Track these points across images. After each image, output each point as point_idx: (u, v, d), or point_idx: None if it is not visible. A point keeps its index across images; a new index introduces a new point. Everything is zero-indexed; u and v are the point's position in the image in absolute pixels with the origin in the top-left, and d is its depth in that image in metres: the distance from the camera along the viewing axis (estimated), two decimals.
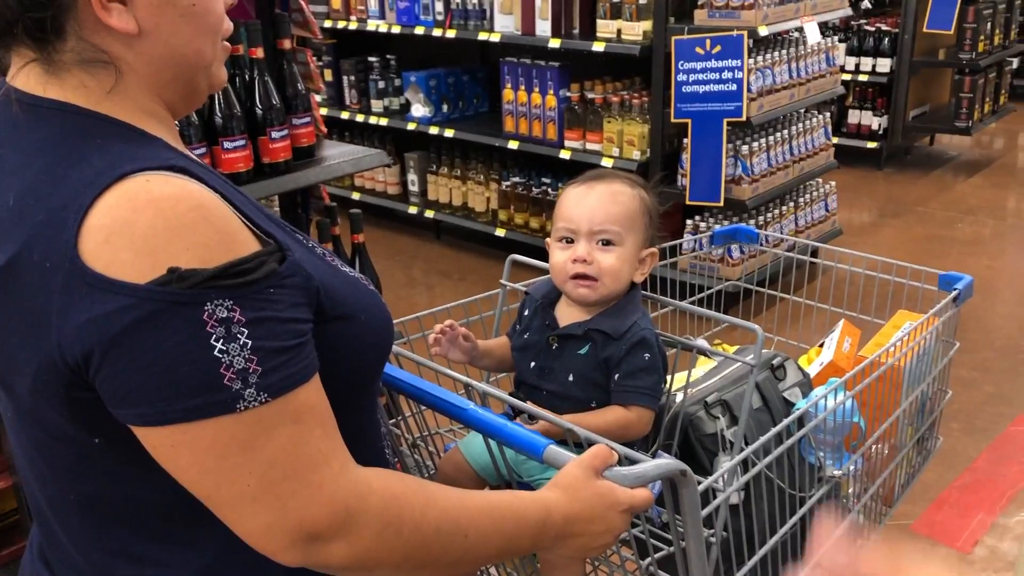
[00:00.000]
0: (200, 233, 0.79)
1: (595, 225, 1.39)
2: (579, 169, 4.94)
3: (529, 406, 1.21)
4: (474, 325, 1.77)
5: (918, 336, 1.67)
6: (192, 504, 0.84)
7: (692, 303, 2.05)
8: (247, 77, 2.09)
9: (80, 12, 0.84)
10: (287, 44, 2.21)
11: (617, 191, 1.41)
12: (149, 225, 0.77)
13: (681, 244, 2.23)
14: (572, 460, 0.99)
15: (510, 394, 1.38)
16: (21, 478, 0.99)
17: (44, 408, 0.84)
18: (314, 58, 2.52)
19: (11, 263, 0.81)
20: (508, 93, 4.63)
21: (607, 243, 1.39)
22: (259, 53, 2.09)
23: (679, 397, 1.51)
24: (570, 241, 1.42)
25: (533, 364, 1.45)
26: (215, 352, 0.77)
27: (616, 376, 1.38)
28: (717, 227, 4.09)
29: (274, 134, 2.13)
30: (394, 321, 1.52)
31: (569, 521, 0.97)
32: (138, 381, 0.77)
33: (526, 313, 1.52)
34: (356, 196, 5.54)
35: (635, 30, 4.03)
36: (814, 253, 3.38)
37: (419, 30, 4.84)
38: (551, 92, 4.46)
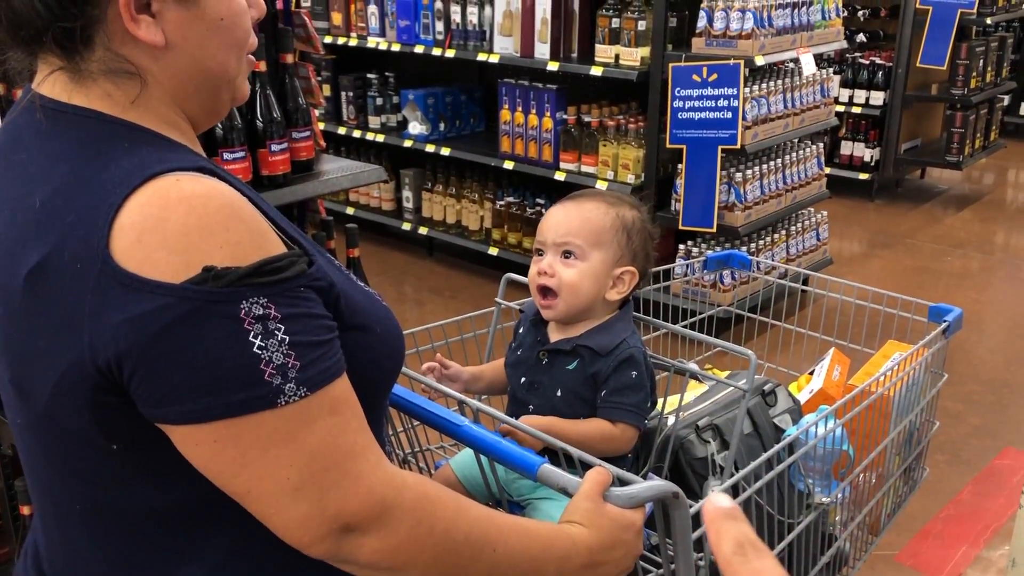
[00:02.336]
0: (233, 231, 0.80)
1: (559, 237, 1.42)
2: (573, 190, 4.96)
3: (520, 423, 1.22)
4: (468, 343, 1.78)
5: (907, 367, 1.69)
6: (196, 514, 0.84)
7: (685, 327, 2.07)
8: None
9: (109, 24, 0.85)
10: (289, 58, 2.22)
11: (589, 207, 1.44)
12: (182, 223, 0.78)
13: (673, 268, 2.25)
14: (577, 493, 0.99)
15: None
16: (28, 486, 0.98)
17: (64, 412, 0.83)
18: (315, 73, 2.54)
19: (40, 265, 0.81)
20: (505, 114, 4.66)
21: (568, 254, 1.42)
22: (261, 67, 2.10)
23: (671, 420, 1.52)
24: (541, 254, 1.45)
25: (523, 379, 1.46)
26: (254, 348, 0.78)
27: (603, 392, 1.40)
28: (710, 253, 4.12)
29: (274, 147, 2.14)
30: None
31: (592, 551, 0.97)
32: (179, 379, 0.77)
33: (520, 331, 1.53)
34: (351, 211, 5.55)
35: (633, 56, 4.07)
36: (805, 281, 3.41)
37: (419, 49, 4.87)
38: (548, 114, 4.49)
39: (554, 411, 1.40)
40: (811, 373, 2.02)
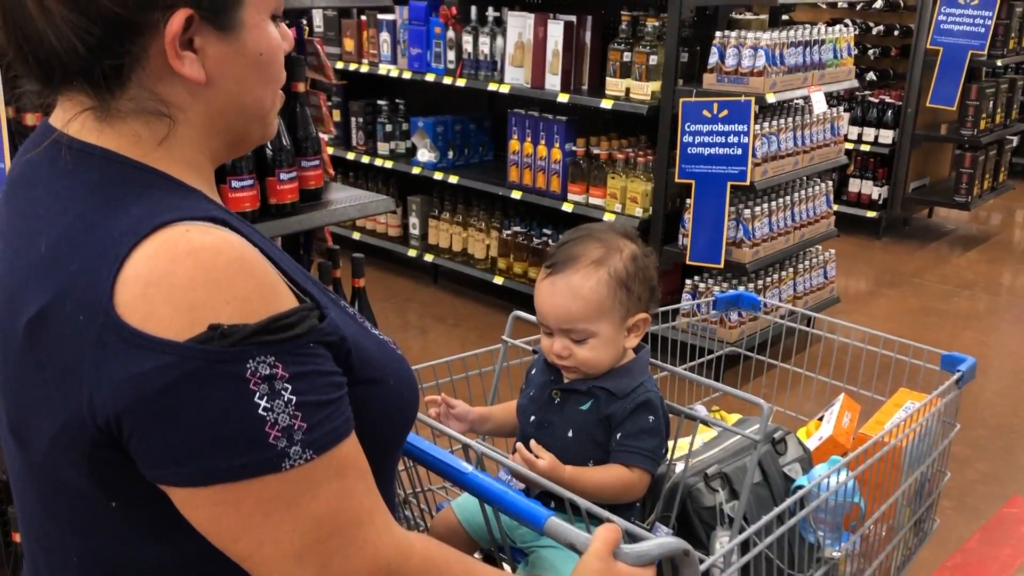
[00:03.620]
0: (240, 286, 0.77)
1: (562, 324, 1.38)
2: (581, 222, 4.94)
3: (528, 473, 1.19)
4: (473, 380, 1.75)
5: (920, 417, 1.66)
6: (195, 570, 0.81)
7: (691, 367, 2.04)
8: None
9: (150, 61, 0.83)
10: (301, 87, 2.21)
11: (578, 284, 1.35)
12: (188, 277, 0.75)
13: (681, 308, 2.22)
14: (587, 552, 0.96)
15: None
16: (21, 532, 0.95)
17: (61, 464, 0.81)
18: (326, 101, 2.53)
19: (42, 313, 0.78)
20: (514, 143, 4.66)
21: (579, 340, 1.38)
22: None
23: (679, 467, 1.49)
24: (548, 332, 1.41)
25: (533, 418, 1.43)
26: (259, 410, 0.75)
27: (618, 435, 1.37)
28: (717, 290, 4.10)
29: (282, 175, 2.13)
30: None
31: None
32: (179, 440, 0.75)
33: (533, 372, 1.50)
34: (357, 236, 5.55)
35: (644, 90, 4.07)
36: (813, 323, 3.38)
37: (429, 77, 4.88)
38: (557, 145, 4.49)
39: (564, 451, 1.38)
40: (820, 419, 1.99)
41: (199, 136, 0.89)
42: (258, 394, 0.75)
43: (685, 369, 1.99)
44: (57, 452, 0.80)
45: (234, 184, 2.03)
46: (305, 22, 2.43)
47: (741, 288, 4.06)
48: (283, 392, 0.76)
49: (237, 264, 0.78)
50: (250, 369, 0.75)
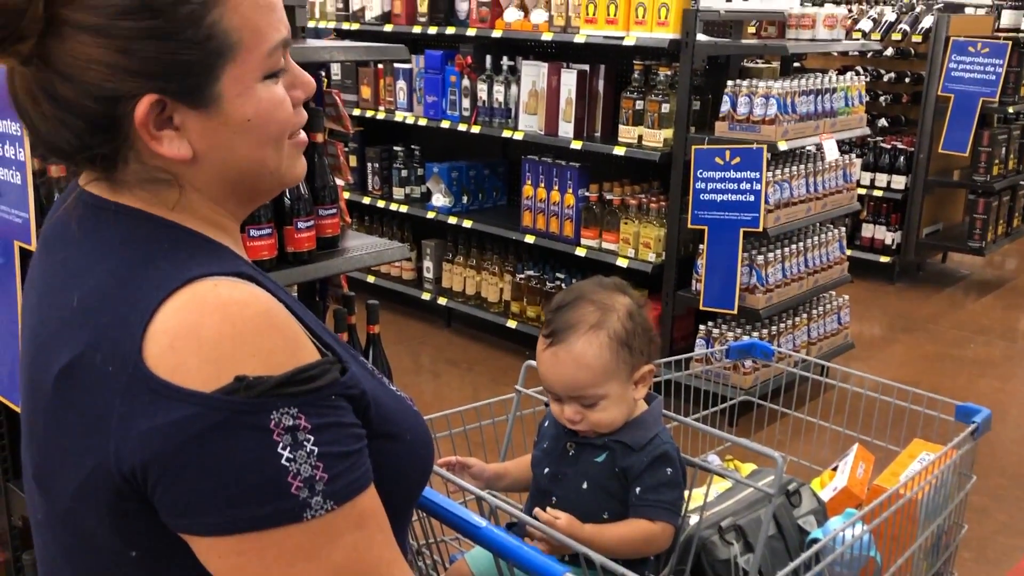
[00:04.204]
0: (267, 339, 0.79)
1: (571, 392, 1.38)
2: (594, 267, 4.94)
3: (547, 528, 1.19)
4: (486, 429, 1.76)
5: (936, 469, 1.65)
6: None
7: (705, 415, 2.03)
8: None
9: (136, 142, 0.85)
10: (320, 138, 2.26)
11: (580, 354, 1.36)
12: (216, 330, 0.77)
13: (694, 356, 2.22)
14: None
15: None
16: None
17: (84, 513, 0.82)
18: (344, 149, 2.58)
19: (72, 364, 0.80)
20: (528, 189, 4.71)
21: (589, 404, 1.39)
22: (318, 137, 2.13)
23: (693, 519, 1.49)
24: (557, 398, 1.42)
25: (547, 470, 1.44)
26: (283, 460, 0.77)
27: (638, 489, 1.37)
28: (731, 336, 4.10)
29: (300, 224, 2.16)
30: None
31: None
32: (204, 490, 0.76)
33: (546, 424, 1.51)
34: (371, 279, 5.58)
35: (656, 137, 4.12)
36: (827, 371, 3.36)
37: (445, 124, 4.95)
38: (570, 191, 4.52)
39: (578, 503, 1.38)
40: (834, 469, 1.97)
41: (210, 198, 0.91)
42: (281, 444, 0.77)
43: (699, 417, 2.00)
44: (80, 502, 0.81)
45: (252, 233, 2.06)
46: (323, 72, 2.48)
47: (755, 334, 4.06)
48: (305, 443, 0.78)
49: (264, 318, 0.80)
50: (274, 420, 0.77)
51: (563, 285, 4.71)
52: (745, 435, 2.17)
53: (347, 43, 2.86)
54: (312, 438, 0.78)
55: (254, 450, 0.76)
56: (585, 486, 1.39)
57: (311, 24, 5.33)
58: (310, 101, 2.45)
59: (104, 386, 0.78)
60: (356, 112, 5.39)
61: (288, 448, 0.77)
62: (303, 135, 0.96)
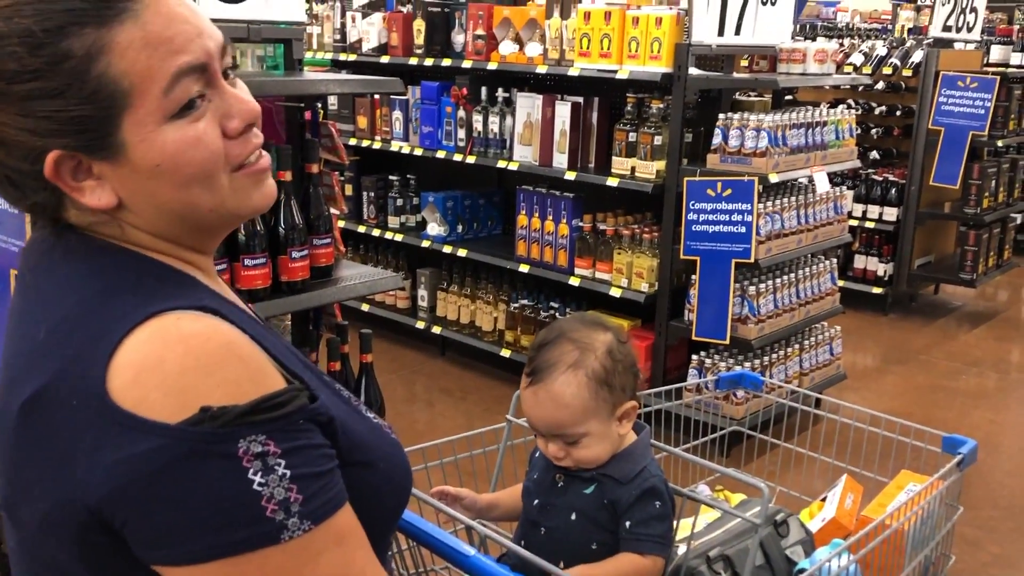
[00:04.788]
0: (230, 370, 0.80)
1: (552, 431, 1.41)
2: (587, 296, 4.92)
3: (538, 560, 1.20)
4: (477, 458, 1.77)
5: (922, 500, 1.66)
6: None
7: (696, 446, 2.05)
8: None
9: (66, 196, 0.88)
10: (315, 168, 2.29)
11: (559, 394, 1.37)
12: (179, 363, 0.79)
13: (685, 386, 2.24)
14: None
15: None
16: None
17: (51, 545, 0.83)
18: (339, 179, 2.61)
19: (36, 396, 0.81)
20: (523, 219, 4.74)
21: (572, 442, 1.41)
22: (287, 176, 2.16)
23: (681, 549, 1.50)
24: (541, 434, 1.44)
25: (536, 501, 1.45)
26: (255, 486, 0.78)
27: (627, 524, 1.39)
28: (723, 366, 4.11)
29: (294, 254, 2.19)
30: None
31: None
32: (178, 519, 0.77)
33: (536, 455, 1.52)
34: (365, 308, 5.60)
35: (649, 169, 4.16)
36: (818, 402, 3.38)
37: (440, 154, 5.00)
38: (564, 221, 4.56)
39: (567, 534, 1.39)
40: (823, 500, 1.99)
41: (159, 236, 0.91)
42: (252, 470, 0.78)
43: (690, 447, 2.01)
44: (46, 532, 0.82)
45: (247, 262, 2.09)
46: (319, 104, 2.52)
47: (747, 364, 4.08)
48: (276, 467, 0.79)
49: (226, 349, 0.81)
50: (242, 448, 0.78)
51: (557, 314, 4.73)
52: (736, 465, 2.18)
53: (343, 75, 2.91)
54: (283, 462, 0.80)
55: (225, 478, 0.77)
56: (574, 517, 1.41)
57: (308, 55, 5.38)
58: (305, 132, 2.48)
59: (69, 419, 0.79)
60: (352, 141, 5.43)
61: (259, 473, 0.78)
62: (259, 162, 0.92)
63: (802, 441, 2.15)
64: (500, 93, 4.71)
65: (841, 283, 5.03)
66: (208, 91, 0.88)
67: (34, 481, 0.82)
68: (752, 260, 3.93)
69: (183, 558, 0.78)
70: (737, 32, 4.22)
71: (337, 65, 5.51)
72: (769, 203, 4.06)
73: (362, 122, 5.47)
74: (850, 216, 5.78)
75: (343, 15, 5.33)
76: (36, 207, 0.90)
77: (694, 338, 4.11)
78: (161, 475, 0.76)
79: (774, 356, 4.26)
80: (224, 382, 0.79)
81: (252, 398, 0.80)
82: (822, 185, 4.25)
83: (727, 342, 4.05)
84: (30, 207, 0.90)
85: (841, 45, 6.74)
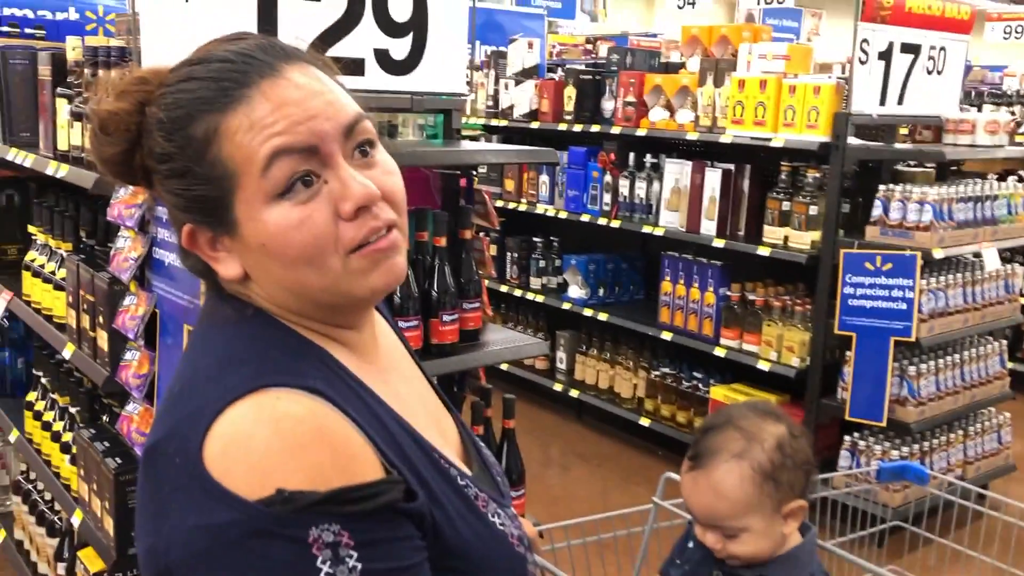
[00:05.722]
0: (314, 455, 0.81)
1: (708, 520, 1.35)
2: (733, 368, 4.77)
3: None
4: (620, 540, 1.72)
5: None
6: None
7: (852, 540, 1.92)
8: (428, 263, 2.21)
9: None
10: (468, 234, 2.33)
11: (719, 483, 1.32)
12: (266, 442, 0.80)
13: (838, 474, 2.11)
14: None
15: None
16: None
17: None
18: (489, 244, 2.65)
19: (154, 446, 0.87)
20: (667, 285, 4.68)
21: (730, 536, 1.34)
22: (442, 242, 2.21)
23: None
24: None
25: None
26: (322, 574, 0.78)
27: None
28: (879, 449, 3.88)
29: (445, 317, 2.22)
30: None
31: None
32: None
33: (690, 545, 1.46)
34: (505, 367, 5.62)
35: (803, 239, 4.03)
36: (981, 496, 3.12)
37: (585, 217, 5.02)
38: (711, 289, 4.47)
39: None
40: None
41: (286, 307, 0.94)
42: (320, 559, 0.78)
43: (845, 541, 1.89)
44: (143, 569, 0.87)
45: (400, 324, 2.13)
46: (475, 172, 2.58)
47: (905, 449, 3.83)
48: (347, 559, 0.78)
49: (316, 433, 0.82)
50: (313, 535, 0.78)
51: (700, 385, 4.61)
52: (890, 559, 2.03)
53: (500, 147, 2.97)
54: (355, 554, 0.79)
55: (291, 561, 0.78)
56: None
57: (463, 120, 5.56)
58: (460, 199, 2.54)
59: (171, 474, 0.83)
60: (499, 203, 5.54)
61: (328, 563, 0.78)
62: (379, 242, 0.91)
63: (961, 538, 1.98)
64: (648, 158, 4.70)
65: (1011, 366, 4.67)
66: (324, 172, 0.89)
67: (141, 522, 0.87)
68: (913, 338, 3.72)
69: None
70: (900, 102, 4.07)
71: (489, 130, 5.66)
72: (932, 279, 3.84)
73: (509, 185, 5.57)
74: (1022, 295, 5.40)
75: (496, 82, 5.48)
76: (194, 270, 0.98)
77: (847, 418, 3.90)
78: (233, 548, 0.78)
79: (935, 442, 3.99)
80: (306, 467, 0.80)
81: (334, 486, 0.80)
82: (991, 262, 3.99)
83: (883, 424, 3.82)
84: (190, 268, 0.99)
85: (1012, 114, 6.38)
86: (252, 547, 0.78)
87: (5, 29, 2.98)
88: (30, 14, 4.21)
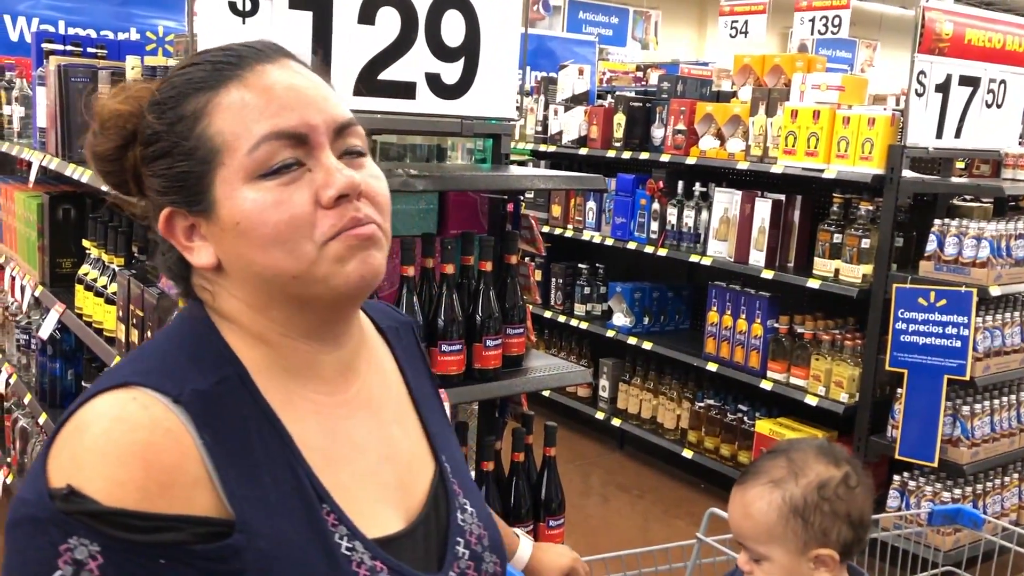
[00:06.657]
0: (125, 468, 0.77)
1: (737, 536, 1.38)
2: (779, 402, 4.70)
3: None
4: (662, 573, 1.68)
5: None
6: None
7: None
8: (473, 287, 2.20)
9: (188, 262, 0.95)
10: (513, 259, 2.32)
11: (748, 502, 1.33)
12: (93, 438, 0.79)
13: (886, 505, 2.05)
14: None
15: None
16: None
17: None
18: (535, 269, 2.63)
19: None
20: (713, 315, 4.62)
21: (755, 559, 1.35)
22: (488, 266, 2.20)
23: None
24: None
25: None
26: None
27: None
28: (929, 490, 3.76)
29: (489, 342, 2.21)
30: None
31: None
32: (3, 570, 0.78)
33: None
34: (546, 393, 5.59)
35: (854, 272, 3.95)
36: None
37: (631, 245, 4.99)
38: (758, 320, 4.40)
39: None
40: None
41: (251, 307, 0.91)
42: (60, 572, 0.75)
43: None
44: None
45: (443, 348, 2.12)
46: (522, 197, 2.57)
47: (957, 491, 3.72)
48: None
49: (140, 447, 0.78)
50: (69, 544, 0.75)
51: (745, 418, 4.53)
52: None
53: (546, 172, 2.97)
54: None
55: (35, 559, 0.76)
56: None
57: (512, 145, 5.58)
58: (507, 224, 2.53)
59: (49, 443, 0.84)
60: (545, 229, 5.53)
61: None
62: (357, 230, 0.88)
63: None
64: (697, 187, 4.66)
65: None
66: (309, 161, 0.88)
67: None
68: (967, 377, 3.61)
69: None
70: (957, 135, 3.99)
71: (537, 156, 5.67)
72: (989, 317, 3.74)
73: (556, 210, 5.57)
74: None
75: (546, 108, 5.49)
76: (170, 272, 0.97)
77: (897, 457, 3.80)
78: (14, 527, 0.78)
79: (988, 484, 3.86)
80: (110, 476, 0.77)
81: (122, 506, 0.76)
82: None
83: (935, 464, 3.71)
84: (165, 270, 0.97)
85: None
86: (24, 531, 0.77)
87: (69, 48, 3.06)
88: (93, 34, 4.34)
